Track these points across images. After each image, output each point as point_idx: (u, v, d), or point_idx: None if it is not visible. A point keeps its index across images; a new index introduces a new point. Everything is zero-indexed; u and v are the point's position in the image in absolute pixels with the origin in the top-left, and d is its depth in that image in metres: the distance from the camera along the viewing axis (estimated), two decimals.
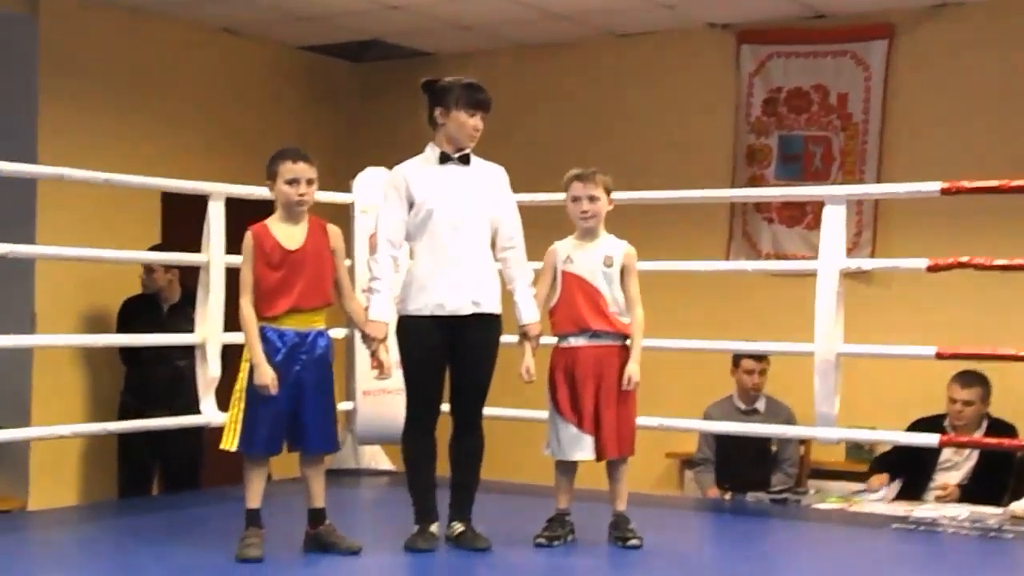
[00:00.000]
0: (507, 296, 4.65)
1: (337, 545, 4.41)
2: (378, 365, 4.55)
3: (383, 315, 4.53)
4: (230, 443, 4.37)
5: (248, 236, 4.44)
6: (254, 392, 4.32)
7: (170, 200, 7.37)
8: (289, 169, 4.40)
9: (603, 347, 4.62)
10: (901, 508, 5.67)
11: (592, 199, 4.64)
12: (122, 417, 6.78)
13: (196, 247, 5.67)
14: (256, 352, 4.33)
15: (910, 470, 6.22)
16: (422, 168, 4.59)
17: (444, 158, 4.58)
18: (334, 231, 4.53)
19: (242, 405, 4.35)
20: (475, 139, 4.59)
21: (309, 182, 4.42)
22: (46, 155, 6.85)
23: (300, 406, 4.37)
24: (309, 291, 4.39)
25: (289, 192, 4.40)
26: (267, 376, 4.29)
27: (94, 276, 7.05)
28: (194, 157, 7.67)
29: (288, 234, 4.42)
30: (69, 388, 7.16)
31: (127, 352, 6.96)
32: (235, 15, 7.79)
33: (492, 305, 4.56)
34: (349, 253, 6.13)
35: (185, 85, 7.94)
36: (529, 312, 4.62)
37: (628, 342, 4.67)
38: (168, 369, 6.49)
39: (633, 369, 4.61)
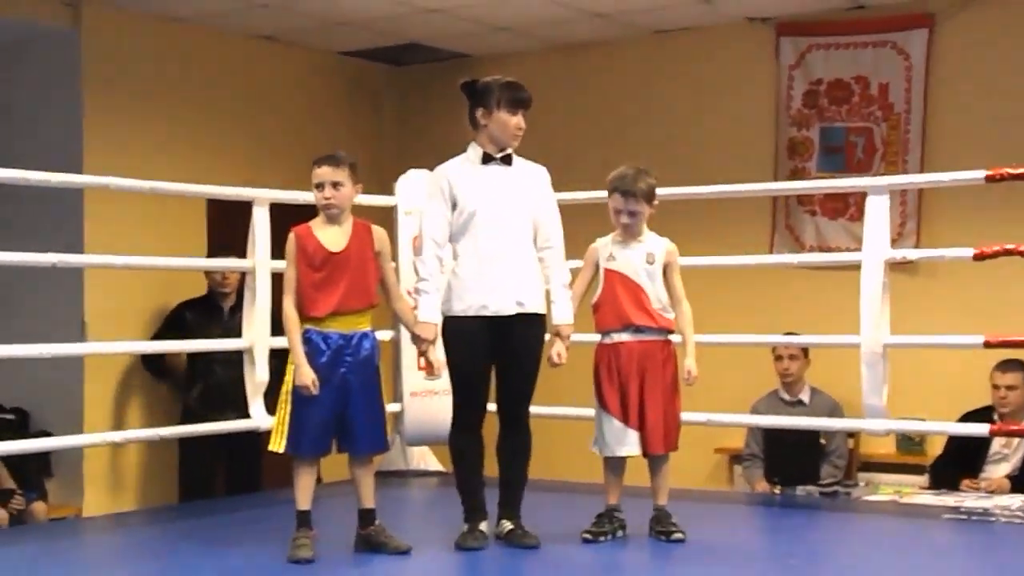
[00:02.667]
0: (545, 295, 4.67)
1: (386, 545, 4.44)
2: (427, 366, 4.58)
3: (432, 316, 4.56)
4: (278, 445, 4.40)
5: (291, 237, 4.48)
6: (300, 393, 4.35)
7: (215, 207, 7.43)
8: (315, 174, 4.46)
9: (647, 342, 4.63)
10: (952, 499, 5.64)
11: (632, 214, 4.66)
12: (184, 421, 6.78)
13: (242, 253, 5.72)
14: (297, 352, 4.37)
15: (965, 465, 6.20)
16: (465, 168, 4.61)
17: (487, 158, 4.60)
18: (379, 233, 4.56)
19: (288, 407, 4.39)
20: (518, 138, 4.61)
21: (334, 185, 4.44)
22: (92, 165, 6.93)
23: (347, 408, 4.40)
24: (352, 293, 4.42)
25: (317, 196, 4.47)
26: (307, 376, 4.32)
27: (142, 283, 7.12)
28: (238, 163, 7.73)
29: (331, 236, 4.46)
30: (121, 394, 7.22)
31: (191, 357, 6.98)
32: (275, 23, 7.85)
33: (536, 304, 4.57)
34: (394, 255, 6.15)
35: (227, 93, 8.01)
36: (563, 313, 4.63)
37: (671, 337, 4.69)
38: (235, 371, 6.44)
39: (691, 364, 4.63)
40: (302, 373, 4.34)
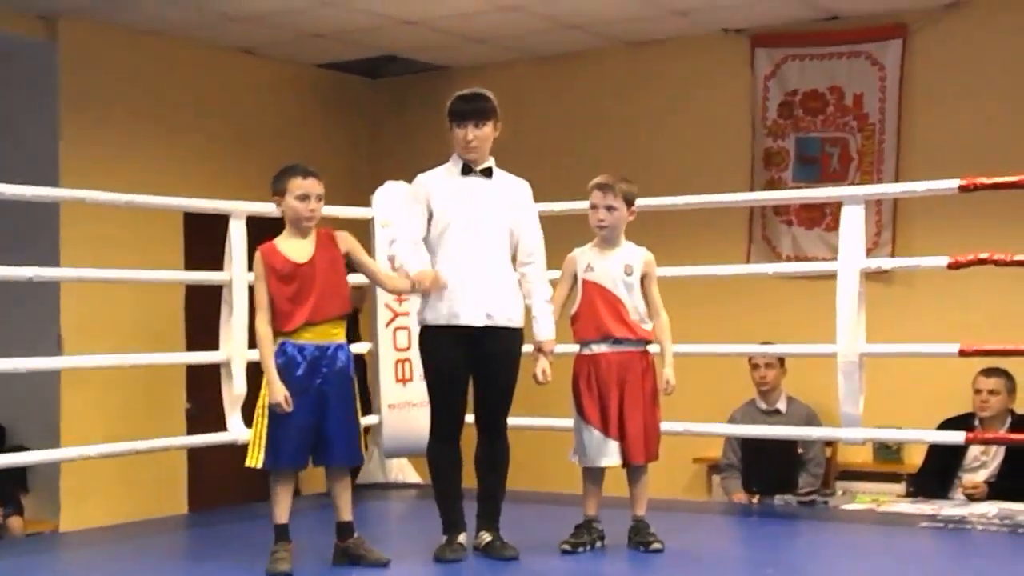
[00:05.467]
0: (525, 310, 4.66)
1: (365, 558, 4.43)
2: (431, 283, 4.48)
3: (411, 261, 4.50)
4: (255, 460, 4.38)
5: (257, 256, 4.49)
6: (275, 410, 4.35)
7: (192, 220, 7.41)
8: (299, 185, 4.44)
9: (625, 353, 4.64)
10: (929, 507, 5.67)
11: (609, 208, 4.65)
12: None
13: (218, 266, 5.71)
14: (270, 370, 4.36)
15: (947, 475, 6.23)
16: (444, 178, 4.61)
17: (466, 170, 4.60)
18: (342, 235, 4.53)
19: (265, 421, 4.38)
20: (472, 150, 4.55)
21: (319, 198, 4.45)
22: (69, 178, 6.92)
23: (323, 419, 4.39)
24: (323, 302, 4.40)
25: (299, 208, 4.43)
26: (279, 394, 4.31)
27: (118, 296, 7.10)
28: (215, 176, 7.73)
29: (297, 248, 4.44)
30: (98, 408, 7.20)
31: None
32: (252, 36, 7.85)
33: (509, 318, 4.55)
34: None
35: (204, 106, 8.00)
36: (545, 329, 4.63)
37: (650, 348, 4.70)
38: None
39: (669, 373, 4.64)
40: (274, 390, 4.33)
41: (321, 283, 4.41)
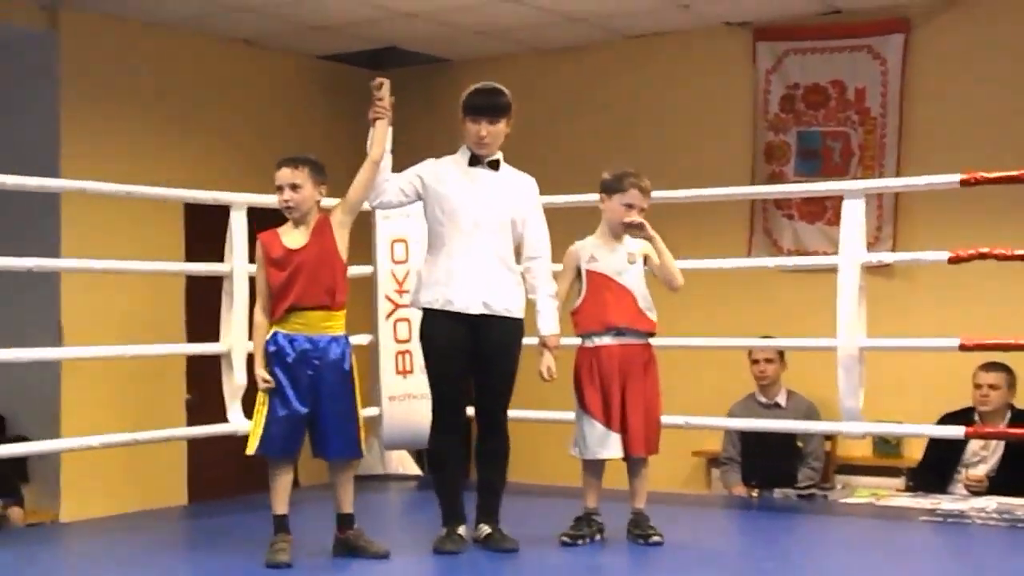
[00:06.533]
0: (530, 305, 4.65)
1: (365, 550, 4.43)
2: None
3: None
4: (251, 447, 4.40)
5: (258, 243, 4.51)
6: (273, 396, 4.36)
7: (192, 211, 7.42)
8: (275, 177, 4.45)
9: (628, 345, 4.64)
10: (928, 501, 5.67)
11: (642, 211, 4.67)
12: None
13: (218, 257, 5.71)
14: (257, 354, 4.41)
15: (947, 469, 6.24)
16: (451, 166, 4.63)
17: (474, 161, 4.61)
18: (332, 212, 4.51)
19: (264, 410, 4.38)
20: (484, 146, 4.57)
21: (293, 187, 4.42)
22: (69, 169, 6.92)
23: (317, 412, 4.38)
24: (309, 289, 4.37)
25: (277, 199, 4.46)
26: (261, 373, 4.36)
27: (119, 287, 7.10)
28: (216, 168, 7.72)
29: (293, 236, 4.45)
30: (98, 399, 7.20)
31: None
32: (253, 27, 7.84)
33: (507, 308, 4.54)
34: (371, 258, 6.18)
35: (206, 97, 8.00)
36: (549, 324, 4.62)
37: (651, 340, 4.70)
38: None
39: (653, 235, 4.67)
40: (257, 372, 4.37)
41: (309, 270, 4.39)
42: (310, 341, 4.39)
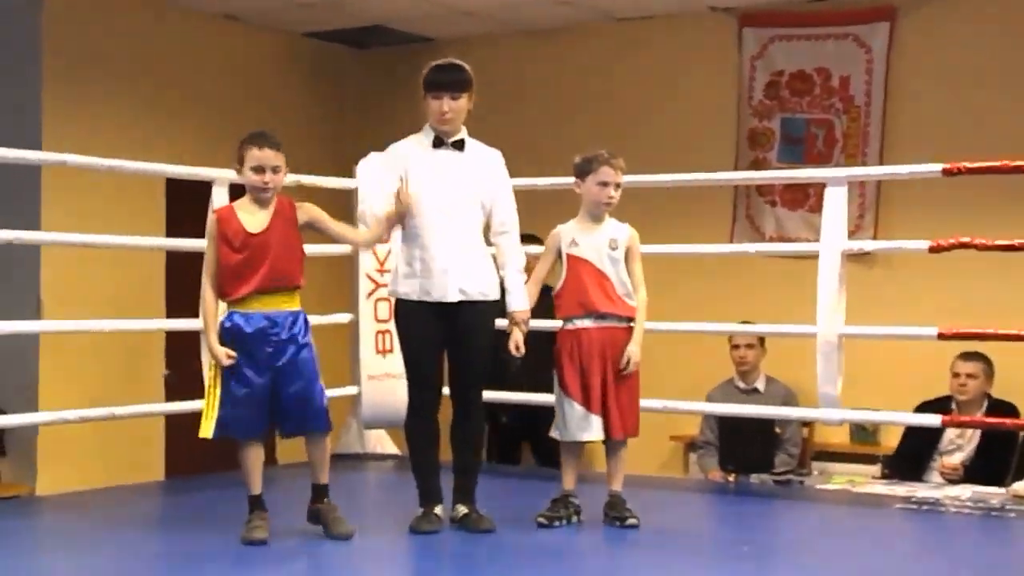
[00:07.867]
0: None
1: (329, 526, 4.39)
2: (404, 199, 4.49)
3: (375, 205, 4.57)
4: (206, 431, 4.32)
5: (212, 218, 4.44)
6: (227, 376, 4.30)
7: (174, 186, 7.38)
8: (255, 156, 4.35)
9: (609, 328, 4.64)
10: (904, 489, 5.70)
11: (618, 187, 4.66)
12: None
13: (200, 233, 5.68)
14: (209, 333, 4.32)
15: (922, 458, 6.26)
16: (416, 150, 4.57)
17: (438, 142, 4.57)
18: (304, 208, 4.44)
19: (217, 392, 4.33)
20: (446, 122, 4.51)
21: (275, 169, 4.36)
22: (50, 142, 6.87)
23: (278, 389, 4.33)
24: (272, 274, 4.32)
25: (254, 180, 4.36)
26: (219, 353, 4.27)
27: (100, 261, 7.07)
28: (198, 143, 7.68)
29: (253, 217, 4.36)
30: (77, 374, 7.18)
31: None
32: (239, 3, 7.80)
33: (482, 292, 4.53)
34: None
35: (189, 72, 7.96)
36: (518, 300, 4.60)
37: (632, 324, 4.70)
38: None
39: (633, 351, 4.63)
40: (213, 352, 4.29)
41: (274, 253, 4.33)
42: (267, 318, 4.33)
